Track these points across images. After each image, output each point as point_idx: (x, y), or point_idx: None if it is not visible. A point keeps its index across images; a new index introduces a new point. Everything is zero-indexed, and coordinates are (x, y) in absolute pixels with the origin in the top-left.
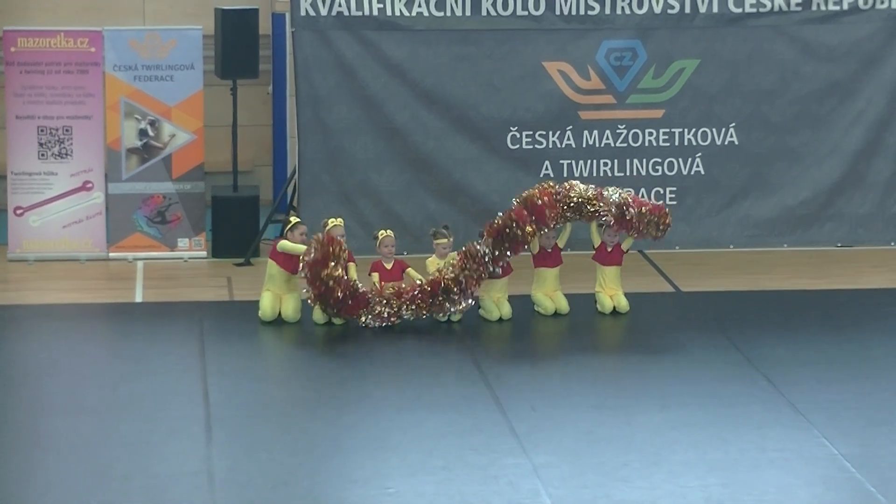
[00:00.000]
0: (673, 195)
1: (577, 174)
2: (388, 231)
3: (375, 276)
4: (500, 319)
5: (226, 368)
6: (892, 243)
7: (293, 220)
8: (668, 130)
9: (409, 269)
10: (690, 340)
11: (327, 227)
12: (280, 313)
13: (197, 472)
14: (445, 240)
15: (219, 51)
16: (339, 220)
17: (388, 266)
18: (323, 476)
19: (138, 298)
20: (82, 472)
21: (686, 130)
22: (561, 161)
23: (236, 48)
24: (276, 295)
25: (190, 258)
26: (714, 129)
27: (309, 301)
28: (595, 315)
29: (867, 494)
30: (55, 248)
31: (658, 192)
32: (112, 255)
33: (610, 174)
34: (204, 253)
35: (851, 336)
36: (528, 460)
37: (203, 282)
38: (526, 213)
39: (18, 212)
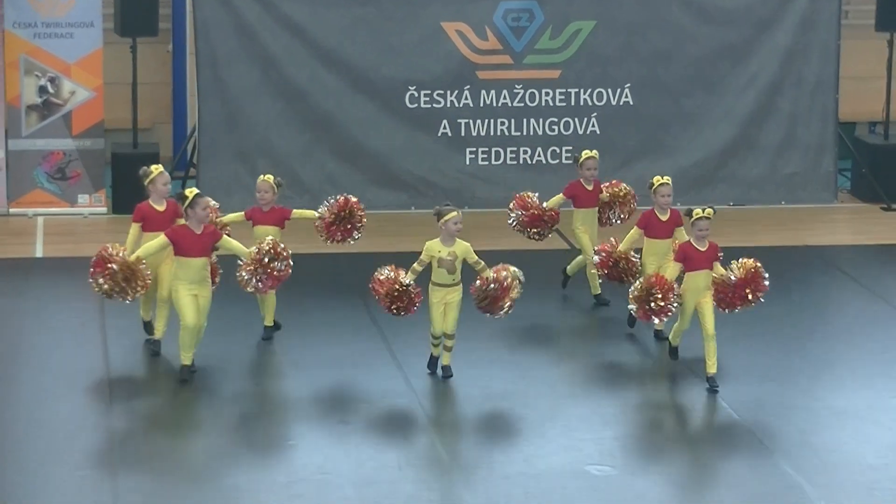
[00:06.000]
0: (569, 155)
1: (474, 133)
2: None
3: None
4: None
5: (125, 323)
6: (783, 202)
7: (188, 192)
8: (564, 91)
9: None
10: (587, 295)
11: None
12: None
13: (96, 428)
14: (455, 213)
15: (118, 8)
16: (195, 189)
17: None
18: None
19: (38, 254)
20: None
21: (582, 91)
22: (459, 120)
23: (136, 6)
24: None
25: (90, 214)
26: (609, 90)
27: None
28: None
29: (754, 441)
30: None
31: (554, 150)
32: (12, 210)
33: (507, 133)
34: (104, 209)
35: None
36: (423, 414)
37: (103, 238)
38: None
39: None
